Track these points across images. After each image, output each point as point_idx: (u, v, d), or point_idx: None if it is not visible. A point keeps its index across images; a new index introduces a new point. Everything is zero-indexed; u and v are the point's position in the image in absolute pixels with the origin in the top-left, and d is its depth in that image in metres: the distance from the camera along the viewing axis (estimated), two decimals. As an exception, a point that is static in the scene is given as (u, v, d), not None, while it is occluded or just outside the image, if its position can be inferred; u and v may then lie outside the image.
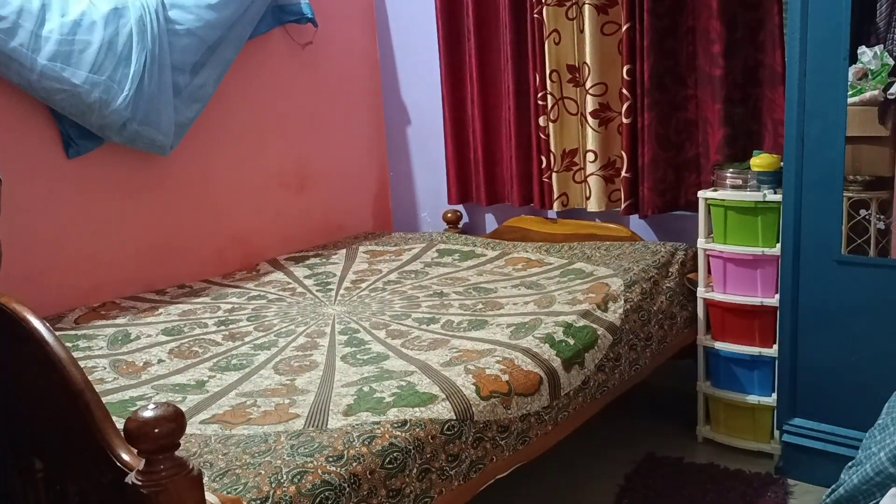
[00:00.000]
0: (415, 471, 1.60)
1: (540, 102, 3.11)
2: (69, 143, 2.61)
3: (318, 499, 1.42)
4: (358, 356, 2.06)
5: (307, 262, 3.14)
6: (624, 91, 2.90)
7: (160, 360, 2.13)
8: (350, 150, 3.66)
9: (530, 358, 1.99)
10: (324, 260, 3.16)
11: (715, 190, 2.54)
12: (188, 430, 1.41)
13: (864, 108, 2.15)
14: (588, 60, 2.97)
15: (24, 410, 1.56)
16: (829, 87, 2.14)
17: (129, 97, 2.55)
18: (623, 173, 2.97)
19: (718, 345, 2.59)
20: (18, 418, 1.57)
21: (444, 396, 1.75)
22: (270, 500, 1.37)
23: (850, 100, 2.13)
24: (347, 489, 1.46)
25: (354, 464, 1.50)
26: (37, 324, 1.43)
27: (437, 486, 1.66)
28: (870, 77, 2.15)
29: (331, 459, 1.49)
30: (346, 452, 1.51)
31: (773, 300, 2.43)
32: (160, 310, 2.59)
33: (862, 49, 2.13)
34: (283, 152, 3.36)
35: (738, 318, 2.54)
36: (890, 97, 2.11)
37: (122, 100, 2.55)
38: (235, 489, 1.38)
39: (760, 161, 2.44)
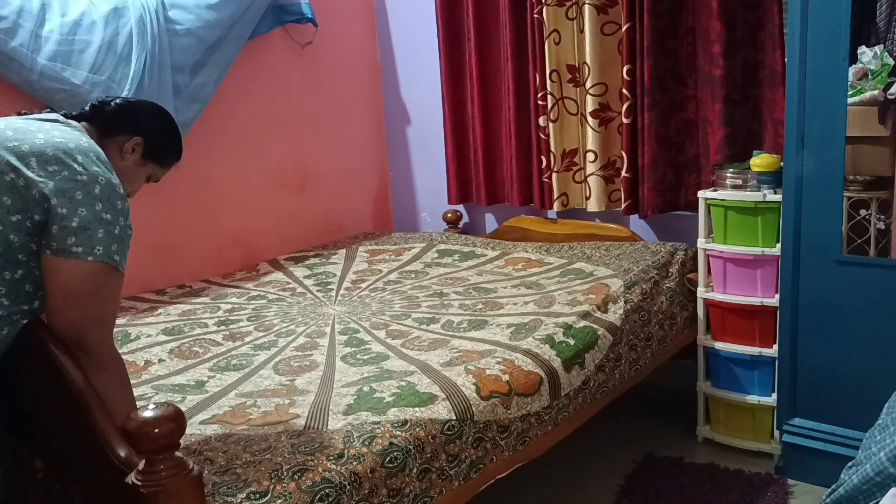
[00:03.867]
0: (415, 470, 1.60)
1: (540, 102, 3.11)
2: (69, 143, 2.61)
3: (319, 495, 1.42)
4: (358, 356, 2.06)
5: (307, 262, 3.14)
6: (624, 91, 2.90)
7: (161, 360, 2.13)
8: (350, 150, 3.66)
9: (530, 358, 1.99)
10: (324, 260, 3.16)
11: (715, 190, 2.54)
12: (188, 430, 1.41)
13: (864, 108, 2.15)
14: (588, 60, 2.97)
15: (24, 411, 1.55)
16: (829, 87, 2.14)
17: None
18: (623, 173, 2.97)
19: (718, 345, 2.59)
20: (19, 419, 1.57)
21: (444, 396, 1.75)
22: (270, 494, 1.37)
23: (850, 100, 2.13)
24: (348, 487, 1.46)
25: (355, 463, 1.50)
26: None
27: (437, 486, 1.66)
28: (870, 77, 2.15)
29: (331, 458, 1.49)
30: (346, 452, 1.51)
31: (773, 300, 2.43)
32: (160, 310, 2.59)
33: (862, 49, 2.13)
34: (283, 152, 3.36)
35: (738, 318, 2.54)
36: (890, 97, 2.11)
37: (123, 100, 2.54)
38: (236, 486, 1.38)
39: (760, 161, 2.44)
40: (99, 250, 1.33)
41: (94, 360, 1.36)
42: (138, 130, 1.59)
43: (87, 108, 1.60)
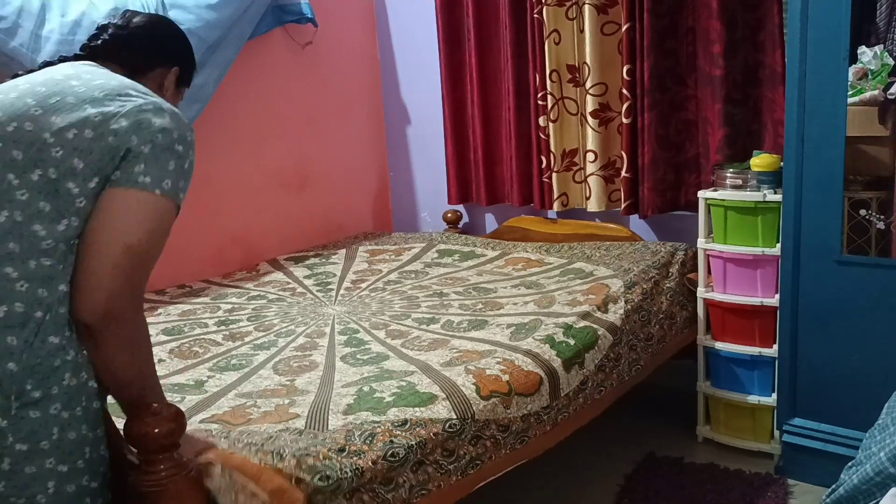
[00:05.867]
0: (413, 468, 1.60)
1: (540, 102, 3.11)
2: (69, 143, 2.60)
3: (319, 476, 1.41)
4: (358, 356, 2.06)
5: (307, 262, 3.14)
6: (624, 91, 2.90)
7: (160, 360, 2.12)
8: (350, 150, 3.66)
9: (530, 358, 1.98)
10: (324, 260, 3.15)
11: (715, 190, 2.54)
12: (188, 429, 1.41)
13: (864, 108, 2.15)
14: (588, 60, 2.97)
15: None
16: (829, 87, 2.14)
17: (129, 97, 2.55)
18: (623, 173, 2.97)
19: (718, 345, 2.59)
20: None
21: (444, 396, 1.74)
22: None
23: (850, 100, 2.13)
24: (350, 474, 1.46)
25: (355, 458, 1.50)
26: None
27: (434, 480, 1.65)
28: (870, 77, 2.15)
29: (333, 452, 1.48)
30: (346, 448, 1.51)
31: (773, 300, 2.43)
32: (160, 310, 2.59)
33: (862, 49, 2.13)
34: (283, 152, 3.36)
35: (738, 318, 2.54)
36: (890, 97, 2.11)
37: (123, 100, 2.54)
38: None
39: (760, 161, 2.44)
40: (167, 184, 1.15)
41: (125, 330, 1.15)
42: (173, 59, 1.33)
43: (96, 41, 1.30)
